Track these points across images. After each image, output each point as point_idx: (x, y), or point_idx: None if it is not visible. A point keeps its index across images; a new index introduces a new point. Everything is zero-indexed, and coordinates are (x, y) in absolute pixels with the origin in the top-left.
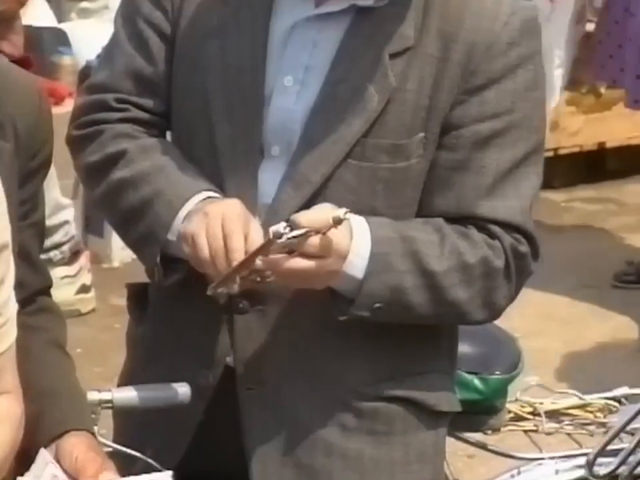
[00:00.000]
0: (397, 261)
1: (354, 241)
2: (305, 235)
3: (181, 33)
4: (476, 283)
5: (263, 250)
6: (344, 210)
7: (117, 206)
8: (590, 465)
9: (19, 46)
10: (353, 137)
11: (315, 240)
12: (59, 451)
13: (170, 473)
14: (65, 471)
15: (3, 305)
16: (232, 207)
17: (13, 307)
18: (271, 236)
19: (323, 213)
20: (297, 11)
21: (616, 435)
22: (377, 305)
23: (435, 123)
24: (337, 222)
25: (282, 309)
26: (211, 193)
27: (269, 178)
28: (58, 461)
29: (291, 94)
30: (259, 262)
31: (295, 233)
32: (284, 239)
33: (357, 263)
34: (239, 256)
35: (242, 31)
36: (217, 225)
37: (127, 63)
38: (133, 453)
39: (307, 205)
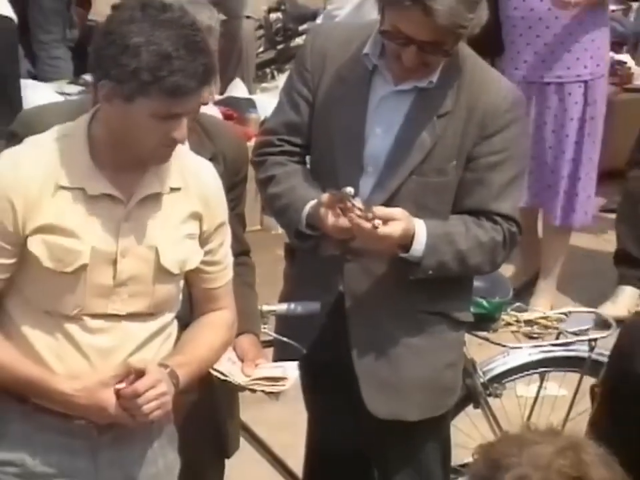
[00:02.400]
0: (441, 246)
1: (417, 232)
2: (365, 211)
3: (318, 100)
4: (486, 252)
5: (344, 202)
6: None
7: (272, 207)
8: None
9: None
10: (414, 163)
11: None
12: (234, 344)
13: (296, 363)
14: (237, 356)
15: (224, 256)
16: None
17: (230, 259)
18: (347, 190)
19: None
20: (384, 88)
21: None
22: (430, 272)
23: (462, 156)
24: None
25: (370, 261)
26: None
27: (365, 185)
28: (234, 350)
29: (379, 138)
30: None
31: (358, 202)
32: (354, 201)
33: (417, 248)
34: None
35: (353, 101)
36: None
37: (285, 117)
38: (285, 339)
39: (386, 203)
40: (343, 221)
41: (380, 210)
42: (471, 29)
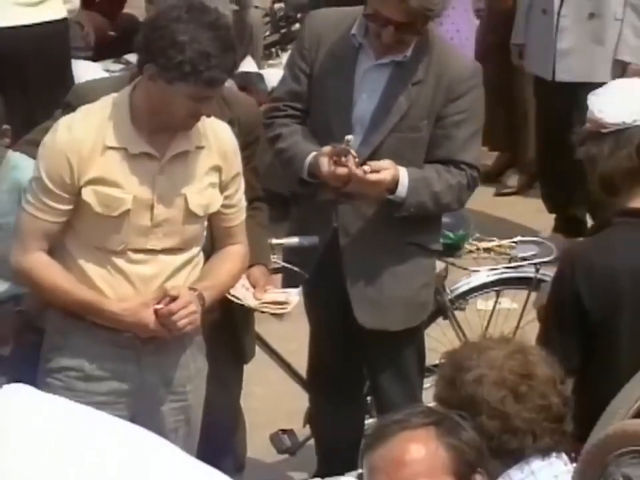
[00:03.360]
0: (420, 189)
1: (400, 177)
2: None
3: (314, 72)
4: (454, 193)
5: (341, 155)
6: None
7: (279, 159)
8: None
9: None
10: (393, 122)
11: (386, 163)
12: (248, 273)
13: (298, 289)
14: (250, 284)
15: (239, 200)
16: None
17: (243, 203)
18: (348, 138)
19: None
20: (367, 62)
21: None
22: (411, 210)
23: (432, 116)
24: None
25: (361, 203)
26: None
27: (354, 141)
28: (247, 278)
29: (365, 102)
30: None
31: (353, 152)
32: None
33: (401, 190)
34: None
35: (343, 73)
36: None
37: (288, 87)
38: (290, 267)
39: (371, 155)
40: (341, 170)
41: (373, 163)
42: (437, 12)
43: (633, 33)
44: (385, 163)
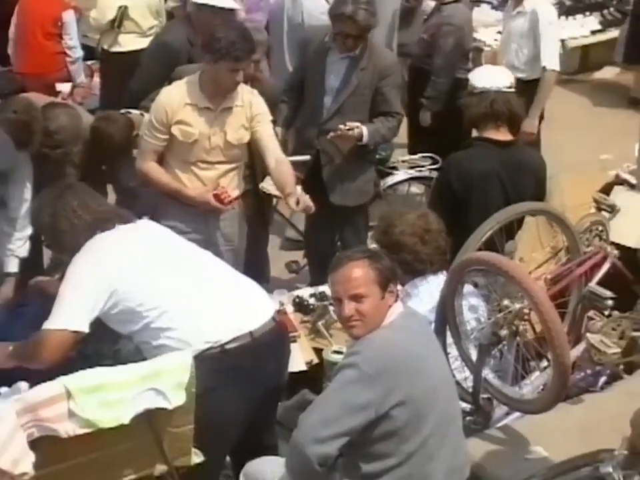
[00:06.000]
0: (375, 134)
1: (363, 130)
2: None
3: (306, 67)
4: (391, 131)
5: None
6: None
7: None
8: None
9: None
10: (350, 90)
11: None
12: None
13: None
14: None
15: (264, 129)
16: None
17: (271, 131)
18: (340, 126)
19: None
20: (333, 57)
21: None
22: (370, 145)
23: (372, 88)
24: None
25: (339, 148)
26: None
27: (327, 101)
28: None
29: (332, 81)
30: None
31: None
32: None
33: (365, 136)
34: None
35: (319, 64)
36: None
37: (290, 83)
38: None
39: (338, 109)
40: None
41: (351, 123)
42: (373, 26)
43: None
44: (356, 124)
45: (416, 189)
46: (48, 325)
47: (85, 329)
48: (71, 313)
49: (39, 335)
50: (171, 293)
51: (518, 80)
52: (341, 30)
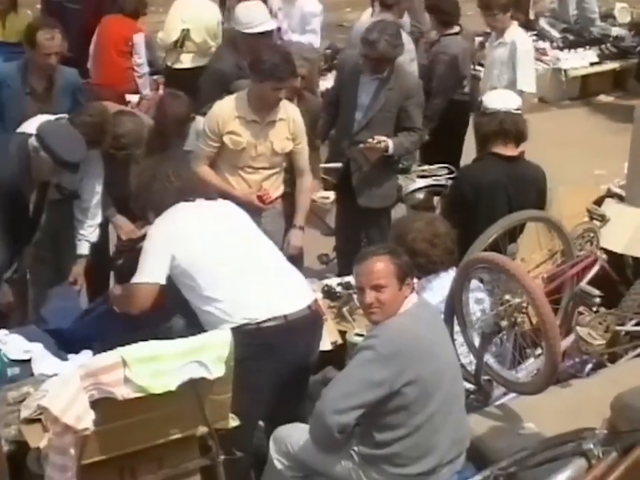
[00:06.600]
0: (399, 147)
1: (390, 143)
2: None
3: (341, 86)
4: (414, 144)
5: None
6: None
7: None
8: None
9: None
10: (377, 107)
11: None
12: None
13: (332, 192)
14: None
15: (302, 148)
16: None
17: (306, 149)
18: (369, 140)
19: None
20: (364, 78)
21: None
22: (395, 157)
23: (397, 106)
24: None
25: (368, 158)
26: None
27: (358, 116)
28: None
29: (363, 99)
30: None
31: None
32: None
33: (390, 149)
34: None
35: (353, 85)
36: None
37: (327, 100)
38: (329, 178)
39: (366, 125)
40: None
41: (379, 137)
42: (398, 53)
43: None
44: (383, 138)
45: (434, 198)
46: (135, 279)
47: (163, 281)
48: (151, 269)
49: (128, 288)
50: (225, 269)
51: None
52: (364, 53)
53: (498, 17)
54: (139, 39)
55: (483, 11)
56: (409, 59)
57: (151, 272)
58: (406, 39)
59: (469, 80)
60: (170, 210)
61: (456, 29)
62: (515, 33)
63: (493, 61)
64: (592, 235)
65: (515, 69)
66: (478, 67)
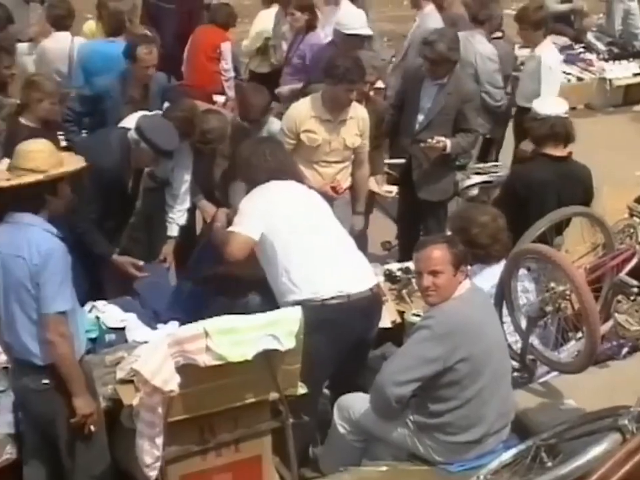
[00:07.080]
0: (456, 146)
1: (447, 142)
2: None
3: (406, 89)
4: (470, 144)
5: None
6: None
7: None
8: None
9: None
10: (438, 109)
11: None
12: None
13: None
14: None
15: (365, 144)
16: None
17: (367, 146)
18: (428, 140)
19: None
20: (427, 83)
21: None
22: (453, 155)
23: (456, 109)
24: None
25: (428, 155)
26: None
27: (420, 118)
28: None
29: (425, 102)
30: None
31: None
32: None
33: (448, 148)
34: None
35: (416, 89)
36: None
37: (393, 102)
38: (392, 172)
39: (427, 126)
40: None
41: (438, 137)
42: (453, 57)
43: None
44: (442, 138)
45: (485, 193)
46: (232, 228)
47: (256, 237)
48: (247, 224)
49: (226, 234)
50: (302, 246)
51: (528, 109)
52: (423, 53)
53: (529, 32)
54: (226, 47)
55: (518, 24)
56: (492, 70)
57: (247, 226)
58: (490, 50)
59: (510, 80)
60: (264, 186)
61: (498, 34)
62: (544, 48)
63: (525, 71)
64: (632, 230)
65: (539, 82)
66: (514, 73)
